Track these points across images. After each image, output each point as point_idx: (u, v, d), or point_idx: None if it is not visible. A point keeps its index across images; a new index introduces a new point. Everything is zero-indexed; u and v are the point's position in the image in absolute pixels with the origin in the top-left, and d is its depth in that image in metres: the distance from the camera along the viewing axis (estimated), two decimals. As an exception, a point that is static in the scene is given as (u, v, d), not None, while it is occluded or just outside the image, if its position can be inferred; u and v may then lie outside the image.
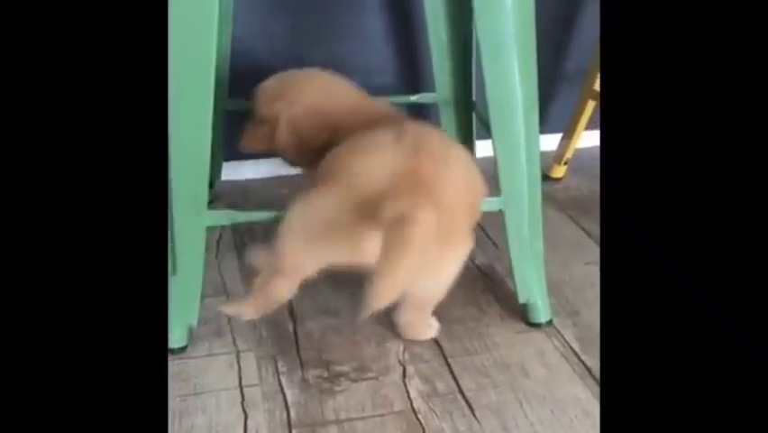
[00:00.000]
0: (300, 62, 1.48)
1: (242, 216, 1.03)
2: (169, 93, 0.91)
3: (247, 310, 1.02)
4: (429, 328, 1.08)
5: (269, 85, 1.10)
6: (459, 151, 0.98)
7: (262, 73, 1.50)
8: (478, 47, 0.99)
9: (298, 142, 1.05)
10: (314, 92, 1.07)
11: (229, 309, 1.06)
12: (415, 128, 0.96)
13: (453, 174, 0.92)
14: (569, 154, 1.59)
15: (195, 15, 0.89)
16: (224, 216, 1.02)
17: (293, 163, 1.10)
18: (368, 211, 0.86)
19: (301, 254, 0.94)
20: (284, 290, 0.99)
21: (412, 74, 1.59)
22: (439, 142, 0.96)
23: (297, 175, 1.19)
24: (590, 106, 1.53)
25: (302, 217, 0.93)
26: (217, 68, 0.93)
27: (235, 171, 1.57)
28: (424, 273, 0.91)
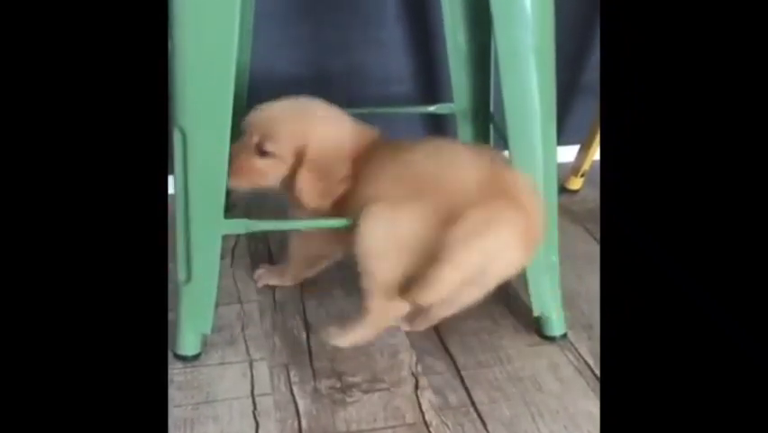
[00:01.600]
0: (320, 72, 1.49)
1: (259, 226, 1.03)
2: (188, 101, 0.92)
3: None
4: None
5: (278, 116, 1.04)
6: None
7: (282, 83, 1.50)
8: (496, 58, 0.98)
9: (324, 179, 1.02)
10: (332, 125, 1.06)
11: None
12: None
13: (527, 180, 0.99)
14: (586, 166, 1.58)
15: (216, 24, 0.89)
16: (240, 226, 1.02)
17: (308, 203, 1.03)
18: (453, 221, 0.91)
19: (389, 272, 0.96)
20: None
21: (430, 84, 1.59)
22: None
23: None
24: (608, 119, 1.52)
25: (388, 235, 0.94)
26: (237, 77, 0.93)
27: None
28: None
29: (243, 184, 1.04)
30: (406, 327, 1.10)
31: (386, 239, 0.94)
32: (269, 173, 1.03)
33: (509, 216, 0.93)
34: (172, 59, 0.90)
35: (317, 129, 1.03)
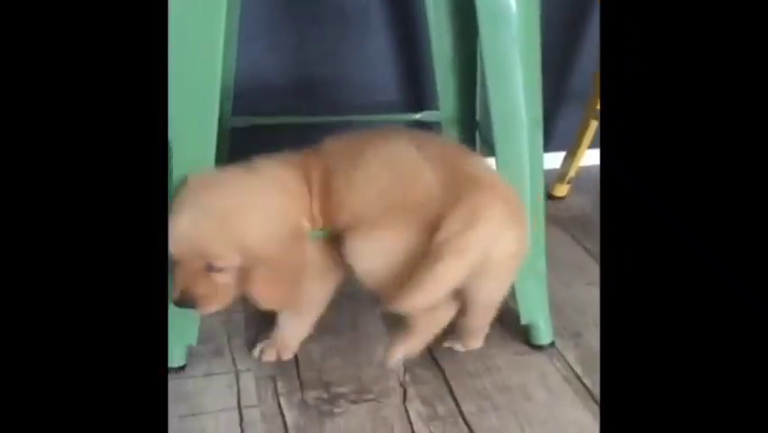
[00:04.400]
0: (305, 81, 1.48)
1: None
2: (172, 109, 0.91)
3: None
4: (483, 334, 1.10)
5: (200, 232, 0.90)
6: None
7: (267, 90, 1.50)
8: (482, 65, 0.98)
9: (281, 281, 0.95)
10: (260, 212, 0.94)
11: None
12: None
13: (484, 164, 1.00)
14: (572, 173, 1.59)
15: (201, 31, 0.89)
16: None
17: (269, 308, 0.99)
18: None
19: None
20: None
21: (416, 92, 1.59)
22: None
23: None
24: (594, 125, 1.53)
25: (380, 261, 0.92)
26: (222, 84, 0.92)
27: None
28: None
29: (218, 307, 0.93)
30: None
31: (380, 264, 0.92)
32: (234, 285, 0.92)
33: (489, 201, 0.90)
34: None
35: (247, 226, 0.90)
